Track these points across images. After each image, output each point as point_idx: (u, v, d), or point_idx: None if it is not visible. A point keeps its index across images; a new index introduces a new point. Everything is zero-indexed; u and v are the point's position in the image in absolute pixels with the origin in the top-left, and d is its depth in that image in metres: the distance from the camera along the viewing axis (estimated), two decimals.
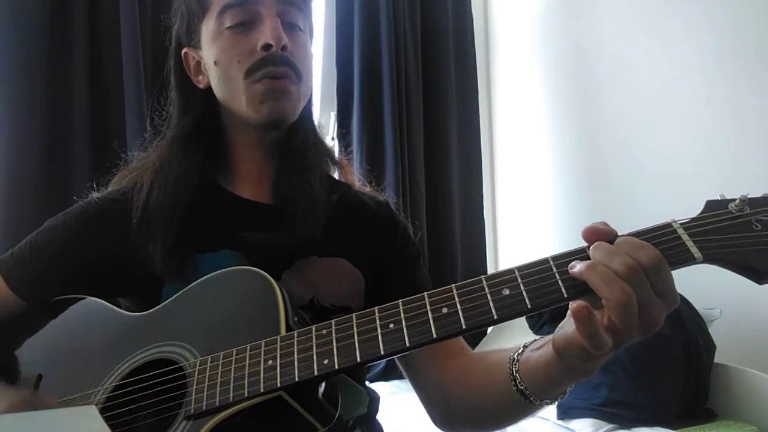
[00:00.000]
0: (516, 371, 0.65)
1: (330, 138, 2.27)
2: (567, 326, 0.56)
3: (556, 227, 2.45)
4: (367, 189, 0.98)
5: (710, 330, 1.68)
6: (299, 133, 0.88)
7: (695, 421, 1.55)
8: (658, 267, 0.52)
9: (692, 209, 0.55)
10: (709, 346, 1.67)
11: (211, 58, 0.83)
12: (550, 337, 0.60)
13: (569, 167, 2.41)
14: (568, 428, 1.57)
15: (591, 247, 0.54)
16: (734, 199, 0.55)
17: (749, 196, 0.54)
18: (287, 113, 0.82)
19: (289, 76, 0.81)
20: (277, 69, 0.80)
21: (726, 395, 1.63)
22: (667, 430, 1.51)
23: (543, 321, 1.79)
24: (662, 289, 0.52)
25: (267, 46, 0.79)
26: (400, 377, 2.12)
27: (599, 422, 1.59)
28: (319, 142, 0.94)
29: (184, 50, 0.88)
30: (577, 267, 0.54)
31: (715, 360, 1.67)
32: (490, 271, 2.62)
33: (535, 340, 0.66)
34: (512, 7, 2.73)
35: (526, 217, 2.60)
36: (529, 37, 2.62)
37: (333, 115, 2.34)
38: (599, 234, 0.56)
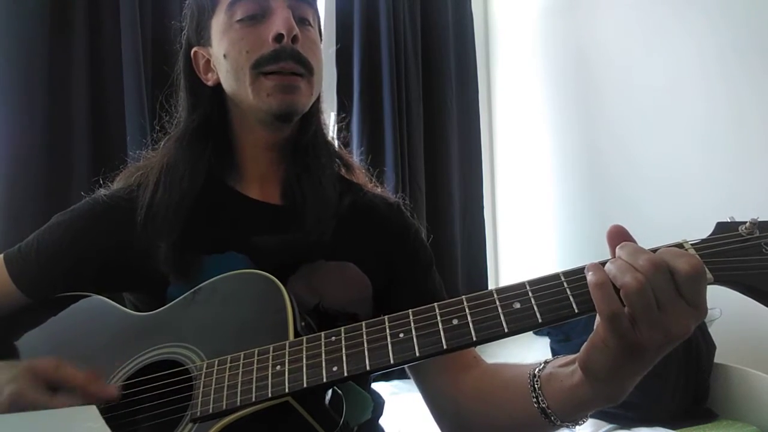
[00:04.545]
0: (539, 388, 0.64)
1: (330, 138, 2.26)
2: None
3: (556, 227, 2.45)
4: (379, 189, 0.96)
5: (710, 330, 1.69)
6: (309, 131, 0.88)
7: (695, 421, 1.56)
8: (697, 275, 0.51)
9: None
10: (709, 346, 1.68)
11: (221, 51, 0.82)
12: (575, 355, 0.60)
13: (569, 167, 2.42)
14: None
15: (618, 246, 0.55)
16: (744, 222, 0.55)
17: (759, 219, 0.55)
18: (296, 105, 0.81)
19: (298, 72, 0.80)
20: (287, 65, 0.79)
21: (726, 395, 1.64)
22: (667, 430, 1.52)
23: None
24: (693, 298, 0.52)
25: (279, 37, 0.78)
26: (400, 377, 2.12)
27: (599, 422, 1.60)
28: (329, 142, 0.93)
29: (193, 50, 0.88)
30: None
31: (715, 360, 1.68)
32: (490, 271, 2.63)
33: (557, 357, 0.66)
34: (512, 7, 2.73)
35: (526, 217, 2.60)
36: (529, 37, 2.62)
37: (333, 115, 2.33)
38: (625, 236, 0.56)
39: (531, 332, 1.94)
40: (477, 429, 0.77)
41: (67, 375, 0.65)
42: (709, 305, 0.53)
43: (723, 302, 1.63)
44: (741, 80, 1.81)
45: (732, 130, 1.83)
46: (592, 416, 1.63)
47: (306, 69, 0.81)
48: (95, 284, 0.82)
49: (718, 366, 1.67)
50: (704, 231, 0.58)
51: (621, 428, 1.58)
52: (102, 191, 0.88)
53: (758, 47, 1.77)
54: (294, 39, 0.79)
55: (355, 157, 1.05)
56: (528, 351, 1.93)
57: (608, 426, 1.59)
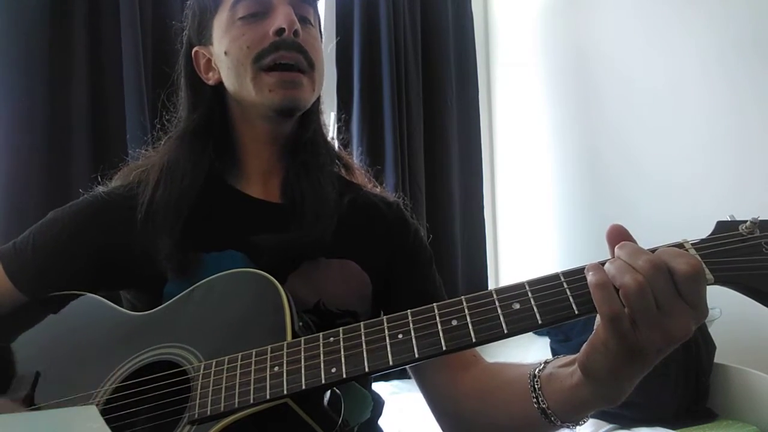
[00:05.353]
0: (539, 389, 0.64)
1: (330, 138, 2.26)
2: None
3: (556, 227, 2.45)
4: (378, 189, 0.97)
5: (710, 330, 1.69)
6: (309, 129, 0.88)
7: (695, 421, 1.55)
8: (696, 276, 0.51)
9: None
10: (709, 346, 1.67)
11: (222, 49, 0.82)
12: (575, 356, 0.60)
13: (569, 167, 2.42)
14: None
15: (617, 246, 0.55)
16: (745, 221, 0.54)
17: (759, 219, 0.54)
18: (299, 100, 0.81)
19: (300, 63, 0.80)
20: (288, 53, 0.79)
21: (726, 395, 1.64)
22: (667, 430, 1.52)
23: None
24: (693, 299, 0.51)
25: (280, 31, 0.79)
26: (400, 377, 2.12)
27: (599, 422, 1.60)
28: (328, 142, 0.94)
29: (194, 49, 0.88)
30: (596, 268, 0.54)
31: (715, 360, 1.67)
32: (490, 271, 2.63)
33: (557, 357, 0.66)
34: (512, 7, 2.73)
35: (526, 217, 2.60)
36: (529, 37, 2.62)
37: (333, 115, 2.33)
38: (625, 236, 0.56)
39: (531, 332, 1.95)
40: (477, 428, 0.77)
41: None
42: (709, 305, 0.53)
43: (723, 302, 1.62)
44: (742, 80, 1.81)
45: (733, 130, 1.83)
46: (592, 416, 1.63)
47: (307, 62, 0.81)
48: (92, 281, 0.82)
49: (718, 366, 1.67)
50: (704, 230, 0.58)
51: (621, 428, 1.58)
52: (100, 188, 0.88)
53: (759, 46, 1.76)
54: (295, 33, 0.79)
55: (355, 157, 1.05)
56: (528, 351, 1.93)
57: (608, 426, 1.59)
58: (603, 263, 0.55)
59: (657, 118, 2.05)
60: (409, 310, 0.59)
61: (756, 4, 1.78)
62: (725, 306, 1.61)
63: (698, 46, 1.93)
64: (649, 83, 2.07)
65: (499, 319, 0.56)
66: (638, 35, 2.13)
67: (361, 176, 0.97)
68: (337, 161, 0.94)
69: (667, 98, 2.01)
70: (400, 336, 0.58)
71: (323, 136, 0.93)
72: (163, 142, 0.91)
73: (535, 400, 0.64)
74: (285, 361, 0.60)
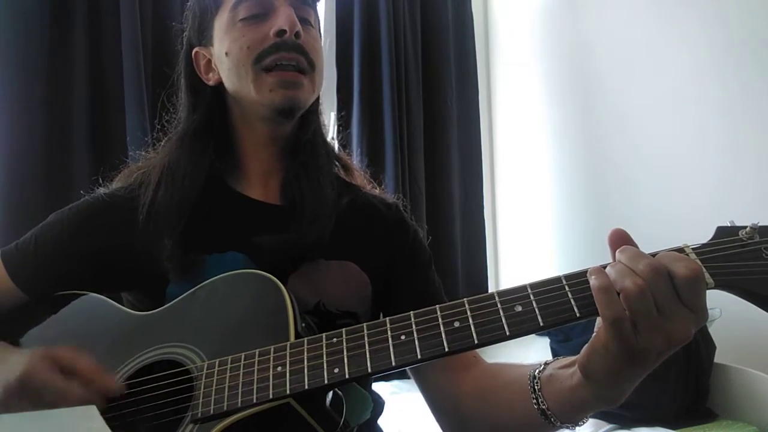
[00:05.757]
0: (539, 390, 0.64)
1: (330, 138, 2.26)
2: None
3: (556, 227, 2.45)
4: (377, 191, 0.97)
5: (710, 330, 1.69)
6: (308, 130, 0.88)
7: (695, 421, 1.56)
8: (696, 280, 0.52)
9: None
10: (709, 346, 1.68)
11: (223, 50, 0.83)
12: (575, 357, 0.60)
13: (569, 166, 2.42)
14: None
15: (618, 250, 0.55)
16: (745, 227, 0.55)
17: (759, 224, 0.55)
18: (299, 100, 0.82)
19: (300, 64, 0.81)
20: (288, 55, 0.80)
21: (726, 395, 1.64)
22: (667, 430, 1.52)
23: None
24: (693, 302, 0.52)
25: (281, 32, 0.79)
26: (400, 378, 2.12)
27: (599, 422, 1.60)
28: (327, 142, 0.94)
29: (194, 50, 0.88)
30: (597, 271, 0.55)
31: (715, 360, 1.68)
32: (490, 271, 2.63)
33: (557, 358, 0.66)
34: (512, 6, 2.73)
35: (526, 217, 2.60)
36: (529, 36, 2.62)
37: (333, 115, 2.33)
38: (626, 240, 0.56)
39: None
40: (477, 428, 0.77)
41: (81, 364, 0.64)
42: (709, 305, 0.54)
43: (723, 302, 1.62)
44: (748, 79, 1.80)
45: (733, 130, 1.83)
46: (592, 416, 1.63)
47: (308, 63, 0.82)
48: (94, 282, 0.82)
49: (718, 366, 1.67)
50: (704, 230, 0.58)
51: (621, 428, 1.58)
52: (102, 190, 0.88)
53: (752, 45, 1.77)
54: (296, 35, 0.80)
55: (355, 157, 1.05)
56: (528, 351, 1.93)
57: (608, 426, 1.59)
58: (604, 267, 0.55)
59: (657, 118, 2.05)
60: (411, 312, 0.60)
61: (748, 4, 1.78)
62: (725, 306, 1.61)
63: (698, 46, 1.93)
64: (650, 82, 2.07)
65: (501, 321, 0.56)
66: (638, 35, 2.13)
67: (360, 177, 0.98)
68: (336, 162, 0.95)
69: (667, 98, 2.02)
70: (403, 337, 0.58)
71: (322, 137, 0.93)
72: (163, 143, 0.91)
73: (534, 401, 0.64)
74: (288, 362, 0.61)
